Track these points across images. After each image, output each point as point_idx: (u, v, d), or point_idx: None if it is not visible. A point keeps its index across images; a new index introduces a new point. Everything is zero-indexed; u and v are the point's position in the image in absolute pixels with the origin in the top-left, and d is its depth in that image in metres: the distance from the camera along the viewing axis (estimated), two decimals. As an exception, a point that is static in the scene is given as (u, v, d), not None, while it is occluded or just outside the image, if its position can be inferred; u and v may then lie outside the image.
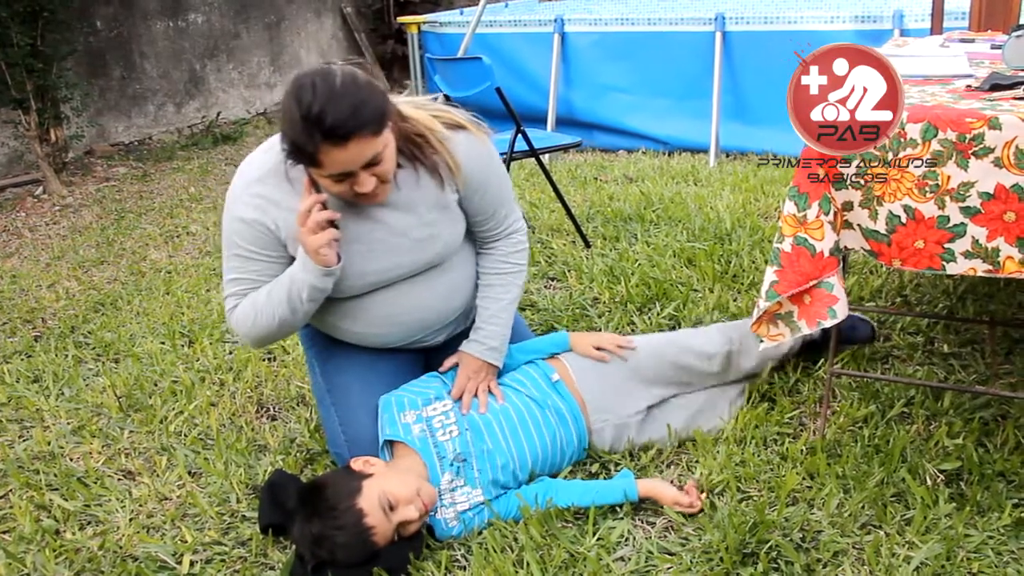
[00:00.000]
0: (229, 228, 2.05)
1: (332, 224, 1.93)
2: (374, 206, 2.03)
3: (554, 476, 2.17)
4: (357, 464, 2.00)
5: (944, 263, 1.92)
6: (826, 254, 1.94)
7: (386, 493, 1.87)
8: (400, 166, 2.01)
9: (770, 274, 2.01)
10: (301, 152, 1.81)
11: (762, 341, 2.11)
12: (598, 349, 2.31)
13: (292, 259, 2.04)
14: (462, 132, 2.09)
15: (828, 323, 1.99)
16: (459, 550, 1.98)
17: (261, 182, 2.01)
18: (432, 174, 2.06)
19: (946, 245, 1.90)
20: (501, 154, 2.56)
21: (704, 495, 2.03)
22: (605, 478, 2.16)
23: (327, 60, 8.43)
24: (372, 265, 2.08)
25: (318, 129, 1.75)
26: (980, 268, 1.89)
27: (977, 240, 1.87)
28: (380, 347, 2.25)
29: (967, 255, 1.89)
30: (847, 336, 2.61)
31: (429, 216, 2.09)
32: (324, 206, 1.92)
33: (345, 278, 2.05)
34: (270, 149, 2.04)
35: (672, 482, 2.13)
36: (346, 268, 2.03)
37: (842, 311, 1.98)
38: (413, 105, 2.07)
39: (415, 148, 2.03)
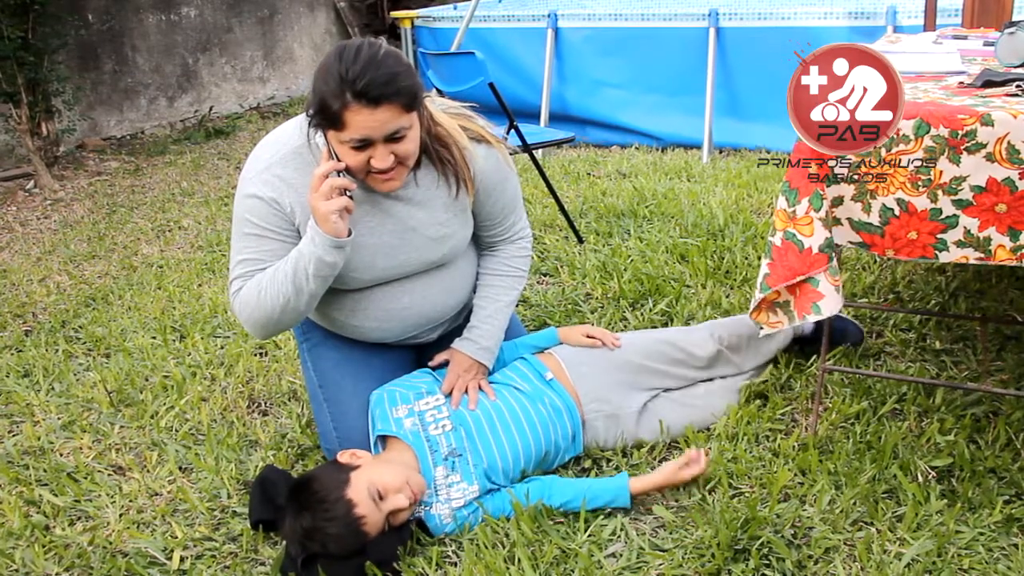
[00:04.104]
0: (241, 207, 2.01)
1: (347, 196, 1.91)
2: (391, 200, 2.03)
3: (547, 472, 2.17)
4: (344, 457, 1.99)
5: (937, 252, 1.93)
6: (814, 251, 1.94)
7: (374, 482, 1.87)
8: (421, 165, 2.02)
9: (764, 266, 2.02)
10: (327, 111, 1.80)
11: (762, 328, 2.12)
12: (589, 337, 2.33)
13: None
14: (483, 145, 2.10)
15: (812, 318, 2.00)
16: (450, 546, 1.98)
17: (282, 164, 1.99)
18: (450, 179, 2.07)
19: (939, 236, 1.91)
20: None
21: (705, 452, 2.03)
22: (597, 476, 2.16)
23: (321, 55, 8.41)
24: (382, 259, 2.07)
25: (351, 88, 1.75)
26: (972, 256, 1.90)
27: (969, 230, 1.88)
28: (376, 342, 2.25)
29: (959, 244, 1.90)
30: (836, 338, 2.62)
31: (443, 216, 2.10)
32: (340, 174, 1.90)
33: (353, 269, 2.04)
34: (292, 132, 2.02)
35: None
36: (356, 259, 2.02)
37: (828, 308, 1.98)
38: (444, 111, 2.08)
39: (440, 151, 2.04)
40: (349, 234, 1.94)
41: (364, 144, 1.84)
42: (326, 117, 1.82)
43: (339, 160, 1.89)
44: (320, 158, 1.95)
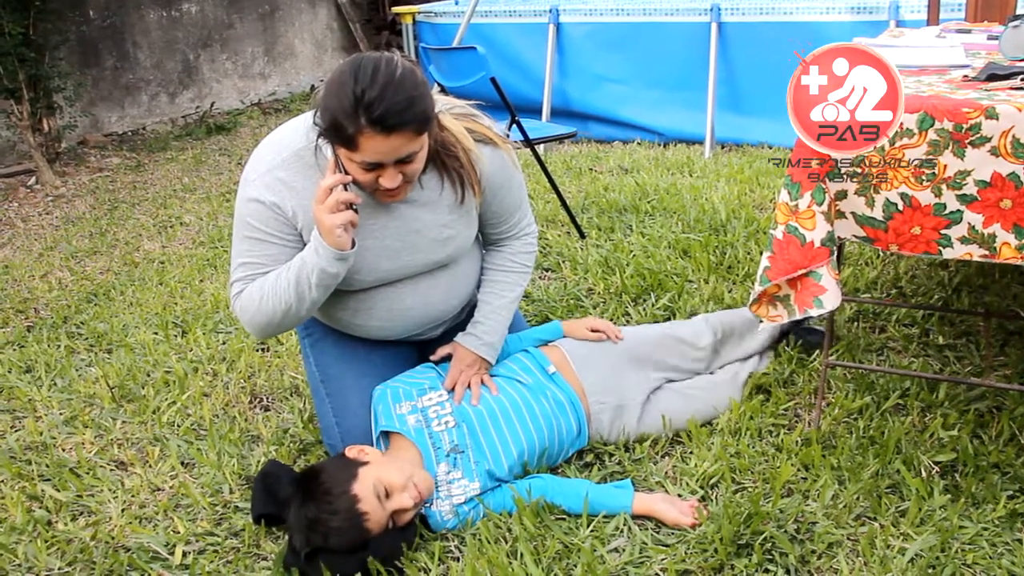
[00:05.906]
0: (243, 210, 2.00)
1: (352, 209, 1.90)
2: (395, 202, 2.02)
3: (552, 467, 2.17)
4: (352, 452, 1.99)
5: (941, 248, 1.92)
6: (816, 244, 1.94)
7: (381, 480, 1.87)
8: (425, 169, 2.00)
9: (764, 259, 2.02)
10: (340, 131, 1.77)
11: (761, 321, 2.13)
12: (593, 331, 2.36)
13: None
14: (489, 146, 2.09)
15: (814, 312, 1.99)
16: (453, 541, 1.97)
17: (284, 167, 1.97)
18: (455, 182, 2.06)
19: (943, 231, 1.90)
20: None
21: (704, 510, 1.98)
22: (600, 470, 2.16)
23: (323, 51, 8.41)
24: (386, 261, 2.07)
25: (368, 113, 1.72)
26: (976, 253, 1.89)
27: (973, 226, 1.87)
28: (379, 339, 2.24)
29: (963, 240, 1.89)
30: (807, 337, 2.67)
31: (448, 218, 2.09)
32: (346, 188, 1.89)
33: (357, 271, 2.03)
34: (294, 134, 2.00)
35: (667, 474, 2.13)
36: (360, 261, 2.01)
37: (830, 302, 1.98)
38: (449, 111, 2.07)
39: (445, 156, 2.03)
40: (353, 245, 1.93)
41: (375, 166, 1.83)
42: (338, 136, 1.79)
43: (346, 173, 1.88)
44: (325, 166, 1.94)
